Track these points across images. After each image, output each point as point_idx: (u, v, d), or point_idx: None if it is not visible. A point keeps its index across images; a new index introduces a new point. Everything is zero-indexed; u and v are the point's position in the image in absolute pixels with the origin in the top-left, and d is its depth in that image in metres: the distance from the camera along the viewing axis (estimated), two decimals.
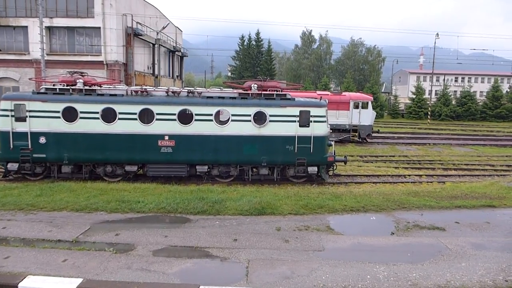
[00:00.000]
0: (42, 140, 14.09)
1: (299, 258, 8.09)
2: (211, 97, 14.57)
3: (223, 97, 14.64)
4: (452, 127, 41.30)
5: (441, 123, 45.92)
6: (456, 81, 77.25)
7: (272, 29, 61.03)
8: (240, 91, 15.22)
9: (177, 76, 37.25)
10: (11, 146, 13.99)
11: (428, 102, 47.85)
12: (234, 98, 14.68)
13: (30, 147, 14.05)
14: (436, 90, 63.72)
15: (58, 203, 11.13)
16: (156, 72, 29.83)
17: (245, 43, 64.73)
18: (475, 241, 9.23)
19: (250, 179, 15.16)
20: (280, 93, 14.98)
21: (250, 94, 14.77)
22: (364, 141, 27.64)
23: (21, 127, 14.02)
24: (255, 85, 14.91)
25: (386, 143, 28.12)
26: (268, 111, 14.42)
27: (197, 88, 15.16)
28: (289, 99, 14.86)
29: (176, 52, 35.77)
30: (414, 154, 23.50)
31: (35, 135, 14.05)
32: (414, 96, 51.31)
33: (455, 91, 66.98)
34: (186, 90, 14.76)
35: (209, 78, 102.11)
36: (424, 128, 39.72)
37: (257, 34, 64.01)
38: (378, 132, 29.20)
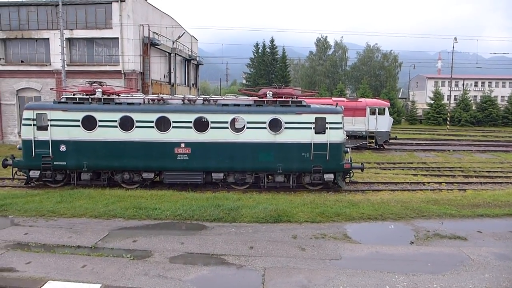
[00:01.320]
0: (63, 148, 14.43)
1: (316, 266, 8.00)
2: (227, 105, 14.66)
3: (238, 105, 14.71)
4: (473, 133, 40.26)
5: (461, 129, 44.86)
6: (476, 85, 75.58)
7: (287, 36, 61.10)
8: (255, 98, 15.28)
9: (192, 84, 37.66)
10: (33, 154, 14.37)
11: (447, 108, 46.90)
12: (250, 105, 14.73)
13: (51, 155, 14.40)
14: (455, 95, 62.47)
15: (77, 210, 11.36)
16: (172, 81, 30.25)
17: (259, 51, 65.09)
18: (498, 252, 8.93)
19: (266, 187, 15.12)
20: (296, 100, 14.96)
21: (265, 102, 14.79)
22: (381, 148, 27.23)
23: (42, 136, 14.39)
24: (270, 92, 14.94)
25: (403, 149, 27.62)
26: (283, 118, 14.40)
27: (212, 96, 15.30)
28: (304, 106, 14.81)
29: (192, 61, 36.22)
30: (433, 161, 22.99)
31: (56, 143, 14.40)
32: (432, 102, 50.38)
33: (475, 96, 65.54)
34: (202, 98, 14.90)
35: (224, 85, 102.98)
36: (443, 134, 38.87)
37: (272, 41, 64.26)
38: (395, 138, 28.73)
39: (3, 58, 26.06)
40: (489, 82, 74.99)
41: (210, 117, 14.40)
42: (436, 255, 8.71)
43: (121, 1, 23.85)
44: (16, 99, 26.28)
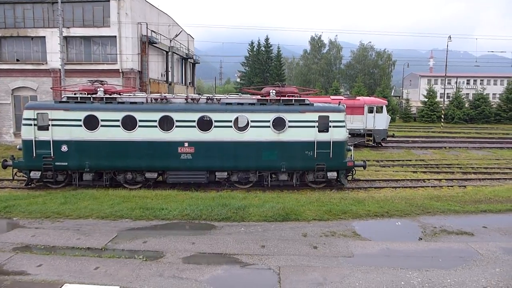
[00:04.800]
0: (64, 148, 14.26)
1: (329, 264, 8.04)
2: (230, 104, 14.62)
3: (242, 104, 14.68)
4: (467, 130, 40.78)
5: (455, 126, 45.39)
6: (468, 83, 76.47)
7: (280, 35, 61.29)
8: (258, 97, 15.26)
9: (189, 83, 37.51)
10: (34, 155, 14.18)
11: (441, 105, 47.39)
12: (253, 104, 14.72)
13: (52, 155, 14.21)
14: (447, 93, 63.11)
15: (83, 211, 11.24)
16: (170, 79, 30.08)
17: (254, 49, 65.02)
18: (506, 246, 9.07)
19: (270, 185, 15.12)
20: (299, 98, 14.98)
21: (268, 100, 14.79)
22: (379, 145, 27.42)
23: (43, 136, 14.20)
24: (274, 91, 14.94)
25: (401, 147, 27.84)
26: (287, 116, 14.41)
27: (215, 95, 15.25)
28: (307, 104, 14.85)
29: (189, 59, 36.05)
30: (431, 158, 23.23)
31: (57, 144, 14.22)
32: (426, 100, 50.87)
33: (467, 94, 66.32)
34: (205, 97, 14.84)
35: (217, 84, 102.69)
36: (438, 131, 39.28)
37: (266, 39, 64.24)
38: (393, 136, 28.95)
39: None
40: (481, 80, 75.95)
41: (213, 116, 14.34)
42: (446, 251, 8.82)
43: None
44: (12, 99, 25.86)
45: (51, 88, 22.07)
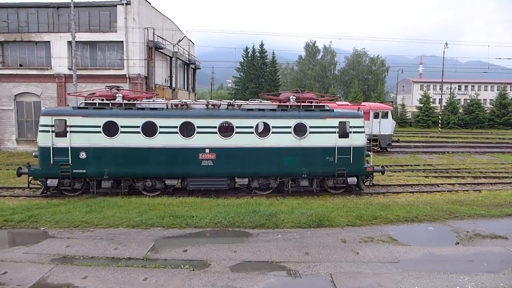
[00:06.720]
0: (83, 155, 13.97)
1: (379, 270, 8.01)
2: (252, 110, 14.57)
3: (263, 109, 14.65)
4: (463, 135, 41.47)
5: (450, 131, 46.11)
6: (459, 89, 77.97)
7: (271, 41, 61.77)
8: (278, 103, 15.26)
9: (191, 88, 37.31)
10: (51, 162, 13.85)
11: (437, 111, 48.14)
12: (274, 110, 14.71)
13: (70, 162, 13.91)
14: (439, 99, 64.25)
15: (111, 220, 10.98)
16: (174, 85, 29.87)
17: (249, 55, 65.13)
18: None
19: (290, 191, 15.07)
20: (318, 104, 15.04)
21: (289, 106, 14.80)
22: (385, 150, 27.66)
23: (61, 143, 13.90)
24: (293, 97, 14.96)
25: (405, 152, 28.15)
26: (308, 122, 14.43)
27: (236, 101, 15.22)
28: (327, 110, 14.91)
29: (190, 65, 35.89)
30: (438, 163, 23.52)
31: (76, 151, 13.93)
32: (421, 105, 51.62)
33: (459, 99, 67.56)
34: (226, 103, 14.78)
35: (210, 90, 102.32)
36: (435, 136, 39.85)
37: (261, 45, 64.44)
38: (398, 141, 29.24)
39: (1, 62, 25.06)
40: (472, 86, 77.56)
41: (235, 122, 14.27)
42: (487, 255, 8.89)
43: (126, 4, 23.39)
44: (14, 104, 25.24)
45: (68, 94, 21.62)
